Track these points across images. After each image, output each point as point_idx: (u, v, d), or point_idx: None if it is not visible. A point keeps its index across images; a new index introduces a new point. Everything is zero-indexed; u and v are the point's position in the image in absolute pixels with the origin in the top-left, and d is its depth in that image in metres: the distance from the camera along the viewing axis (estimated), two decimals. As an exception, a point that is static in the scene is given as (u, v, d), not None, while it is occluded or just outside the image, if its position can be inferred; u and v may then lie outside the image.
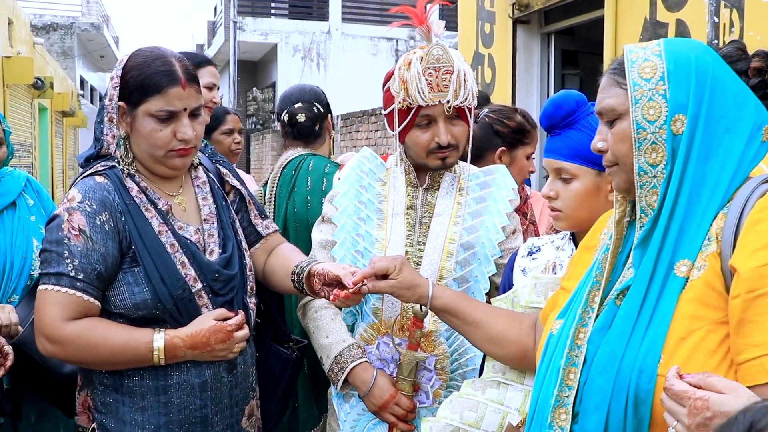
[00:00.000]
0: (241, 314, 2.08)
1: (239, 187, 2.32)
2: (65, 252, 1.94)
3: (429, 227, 2.23)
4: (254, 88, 23.24)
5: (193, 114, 2.06)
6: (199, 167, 2.27)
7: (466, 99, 2.13)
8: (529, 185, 4.73)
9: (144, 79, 1.99)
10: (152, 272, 2.00)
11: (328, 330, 2.26)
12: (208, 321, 2.02)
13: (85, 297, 1.95)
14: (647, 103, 1.41)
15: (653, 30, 5.42)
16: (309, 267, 2.14)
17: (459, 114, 2.17)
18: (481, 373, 2.06)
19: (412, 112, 2.14)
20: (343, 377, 2.18)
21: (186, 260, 2.06)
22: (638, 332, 1.38)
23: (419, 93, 2.09)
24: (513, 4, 7.22)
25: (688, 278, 1.37)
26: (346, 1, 23.53)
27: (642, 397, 1.34)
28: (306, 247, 2.78)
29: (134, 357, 1.97)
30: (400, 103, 2.14)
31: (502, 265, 2.24)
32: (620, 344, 1.40)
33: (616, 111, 1.48)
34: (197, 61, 3.26)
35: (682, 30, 5.16)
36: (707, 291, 1.34)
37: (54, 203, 3.12)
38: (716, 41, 4.84)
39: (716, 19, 4.90)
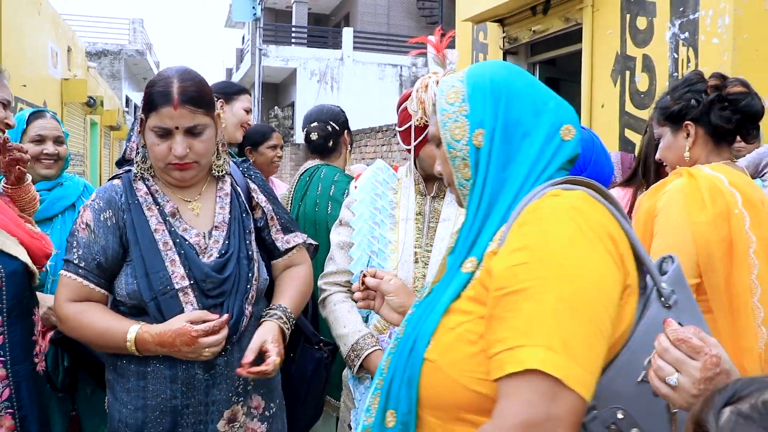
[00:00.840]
0: (220, 320, 1.90)
1: (263, 204, 2.18)
2: (74, 242, 1.96)
3: (436, 231, 2.23)
4: (276, 107, 23.29)
5: (192, 132, 1.96)
6: (227, 179, 2.16)
7: None
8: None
9: (148, 97, 1.96)
10: (139, 266, 1.93)
11: (345, 321, 2.26)
12: (178, 322, 1.88)
13: (85, 283, 1.94)
14: (453, 125, 1.36)
15: (624, 62, 5.46)
16: (264, 319, 2.06)
17: None
18: None
19: (427, 129, 2.13)
20: (358, 363, 2.18)
21: (177, 259, 1.95)
22: (423, 321, 1.33)
23: None
24: (503, 38, 7.26)
25: (473, 273, 1.28)
26: (357, 33, 23.60)
27: (413, 378, 1.28)
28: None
29: (114, 344, 1.91)
30: (417, 120, 2.14)
31: None
32: (411, 331, 1.34)
33: (437, 136, 1.43)
34: (235, 90, 3.38)
35: (647, 63, 5.21)
36: (480, 288, 1.25)
37: None
38: (676, 74, 4.89)
39: (676, 55, 4.94)
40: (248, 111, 3.36)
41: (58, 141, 2.87)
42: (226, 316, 1.92)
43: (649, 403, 1.16)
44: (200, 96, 1.96)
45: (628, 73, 5.44)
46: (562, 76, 7.50)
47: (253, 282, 2.04)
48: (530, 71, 7.34)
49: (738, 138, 2.21)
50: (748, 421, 0.86)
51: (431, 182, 2.27)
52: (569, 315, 1.11)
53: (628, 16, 5.40)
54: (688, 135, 2.18)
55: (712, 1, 4.61)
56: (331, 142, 3.33)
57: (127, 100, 23.44)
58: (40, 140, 2.81)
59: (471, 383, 1.20)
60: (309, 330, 2.41)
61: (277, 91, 25.95)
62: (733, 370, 1.14)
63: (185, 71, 2.00)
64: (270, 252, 2.22)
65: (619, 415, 1.15)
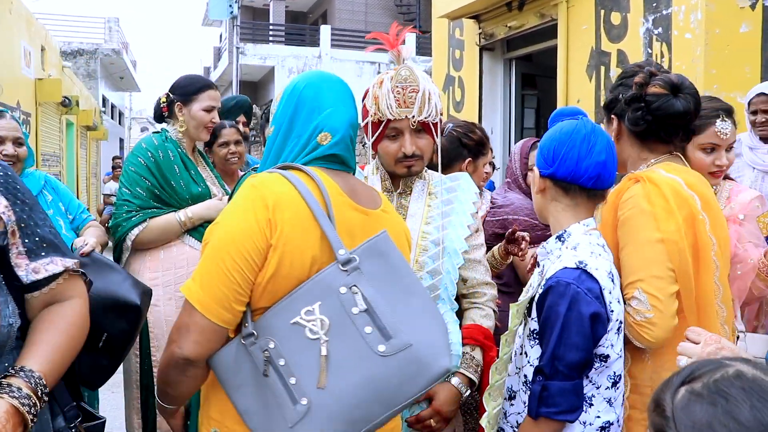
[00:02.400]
0: None
1: (1, 210, 1.45)
2: None
3: None
4: (254, 106, 23.18)
5: None
6: None
7: (429, 115, 2.12)
8: (492, 190, 4.79)
9: None
10: None
11: None
12: None
13: None
14: (273, 122, 1.72)
15: (598, 58, 5.50)
16: None
17: (424, 128, 2.14)
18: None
19: (382, 125, 2.12)
20: None
21: None
22: None
23: (388, 108, 2.08)
24: (479, 34, 7.28)
25: None
26: (335, 30, 23.57)
27: None
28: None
29: None
30: (372, 116, 2.13)
31: (469, 260, 2.23)
32: None
33: None
34: (193, 89, 3.17)
35: (622, 58, 5.25)
36: None
37: (72, 196, 3.19)
38: (652, 67, 4.94)
39: (650, 51, 4.98)
40: (209, 110, 3.16)
41: (18, 142, 2.85)
42: None
43: (298, 341, 1.46)
44: None
45: (603, 68, 5.48)
46: (538, 72, 7.54)
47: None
48: (506, 67, 7.40)
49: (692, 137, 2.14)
50: (698, 398, 0.92)
51: (397, 179, 2.24)
52: (210, 259, 1.49)
53: (602, 11, 5.44)
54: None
55: (683, -4, 4.65)
56: (254, 135, 3.18)
57: (104, 100, 23.23)
58: (0, 141, 2.79)
59: None
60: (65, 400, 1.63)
61: (255, 89, 25.84)
62: (738, 352, 1.42)
63: None
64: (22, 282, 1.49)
65: (271, 345, 1.47)
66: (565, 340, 1.69)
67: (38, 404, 1.39)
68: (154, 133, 3.16)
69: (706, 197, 2.02)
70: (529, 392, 1.77)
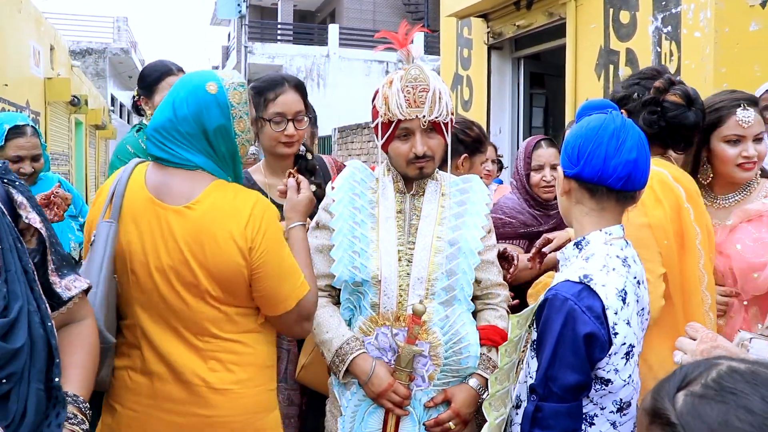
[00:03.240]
0: None
1: (37, 226, 1.38)
2: None
3: (417, 228, 2.16)
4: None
5: None
6: None
7: (440, 114, 2.08)
8: (501, 183, 4.79)
9: None
10: None
11: (328, 326, 2.15)
12: None
13: None
14: (238, 120, 1.91)
15: (607, 57, 5.47)
16: None
17: (435, 128, 2.11)
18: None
19: (393, 125, 2.10)
20: (344, 368, 2.10)
21: None
22: None
23: (398, 108, 2.05)
24: (488, 33, 7.26)
25: None
26: (343, 29, 23.59)
27: None
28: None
29: None
30: (382, 116, 2.10)
31: (483, 261, 2.20)
32: None
33: None
34: (153, 79, 2.98)
35: (631, 57, 5.22)
36: None
37: (84, 201, 3.21)
38: (661, 66, 4.91)
39: (659, 49, 4.96)
40: None
41: (35, 158, 2.88)
42: None
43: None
44: None
45: (611, 67, 5.45)
46: (547, 71, 7.51)
47: (55, 351, 1.33)
48: (515, 66, 7.38)
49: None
50: (704, 399, 0.90)
51: (410, 181, 2.21)
52: None
53: (611, 10, 5.41)
54: None
55: (694, -5, 4.62)
56: None
57: (113, 99, 23.29)
58: (18, 160, 2.81)
59: None
60: None
61: (263, 89, 25.86)
62: (735, 351, 1.45)
63: None
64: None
65: None
66: (558, 360, 1.57)
67: (87, 429, 1.40)
68: (137, 131, 3.02)
69: (690, 190, 2.15)
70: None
